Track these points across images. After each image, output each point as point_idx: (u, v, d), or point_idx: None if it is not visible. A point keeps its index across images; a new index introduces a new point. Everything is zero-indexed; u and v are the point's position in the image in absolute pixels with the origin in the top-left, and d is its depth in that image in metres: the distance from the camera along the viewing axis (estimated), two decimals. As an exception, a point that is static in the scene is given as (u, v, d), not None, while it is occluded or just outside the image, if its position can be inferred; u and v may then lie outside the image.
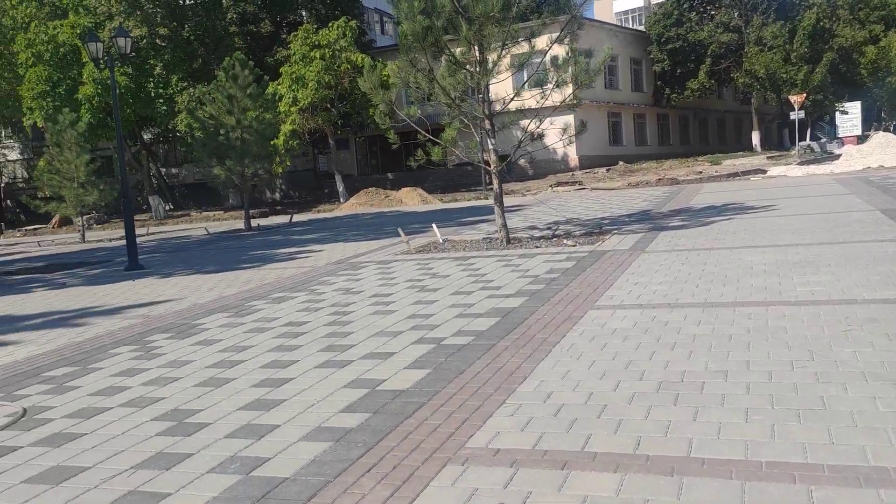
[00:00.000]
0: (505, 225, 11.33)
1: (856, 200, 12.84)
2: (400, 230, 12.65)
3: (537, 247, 10.62)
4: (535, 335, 5.53)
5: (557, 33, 11.11)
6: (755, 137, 46.94)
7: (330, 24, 33.95)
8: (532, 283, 7.65)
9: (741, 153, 44.74)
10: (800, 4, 44.54)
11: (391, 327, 6.26)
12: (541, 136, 11.31)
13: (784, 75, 41.48)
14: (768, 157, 38.42)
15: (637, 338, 5.15)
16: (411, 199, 28.43)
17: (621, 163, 39.33)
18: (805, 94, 38.62)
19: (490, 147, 11.37)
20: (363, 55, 33.58)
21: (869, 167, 25.58)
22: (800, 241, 8.73)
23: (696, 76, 44.42)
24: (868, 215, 10.57)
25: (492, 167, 11.41)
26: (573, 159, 38.53)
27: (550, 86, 10.85)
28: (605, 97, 41.76)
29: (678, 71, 45.04)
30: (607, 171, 37.49)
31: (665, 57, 43.89)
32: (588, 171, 37.62)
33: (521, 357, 4.97)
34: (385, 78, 13.02)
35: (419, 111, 11.52)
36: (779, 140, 54.40)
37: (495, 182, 11.45)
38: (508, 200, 24.00)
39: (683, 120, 51.33)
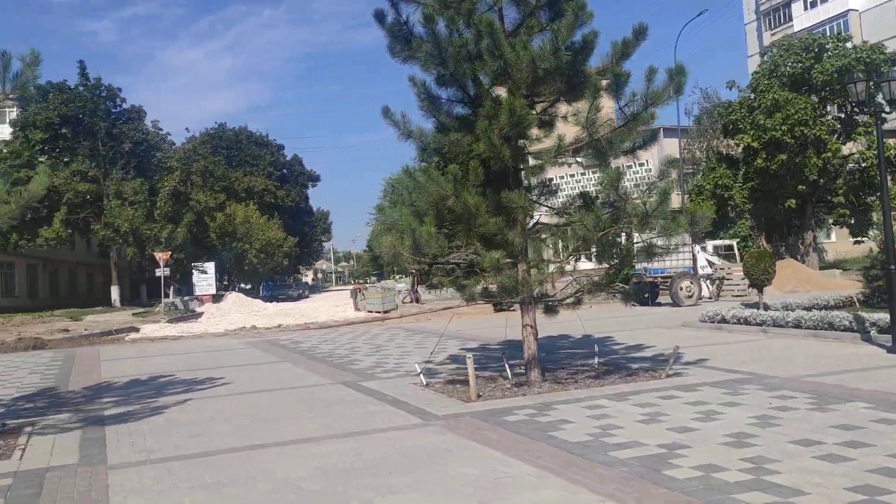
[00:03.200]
0: None
1: (299, 370, 12.23)
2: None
3: None
4: None
5: None
6: (115, 292, 44.63)
7: None
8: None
9: (100, 308, 41.71)
10: (158, 166, 45.61)
11: None
12: None
13: (148, 231, 41.06)
14: (133, 314, 36.61)
15: None
16: None
17: (-47, 317, 31.78)
18: (170, 252, 38.79)
19: None
20: None
21: (244, 327, 26.33)
22: (310, 434, 7.27)
23: (50, 224, 40.13)
24: (336, 390, 9.90)
25: None
26: None
27: None
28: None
29: (28, 216, 39.95)
30: (-66, 327, 29.68)
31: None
32: None
33: None
34: None
35: None
36: (133, 295, 53.10)
37: None
38: None
39: (32, 270, 45.54)
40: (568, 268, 10.48)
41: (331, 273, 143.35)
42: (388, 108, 9.86)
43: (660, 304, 23.86)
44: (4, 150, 41.29)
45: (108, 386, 11.35)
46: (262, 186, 66.20)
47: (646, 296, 24.02)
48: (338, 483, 5.54)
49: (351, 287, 52.71)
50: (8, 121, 44.77)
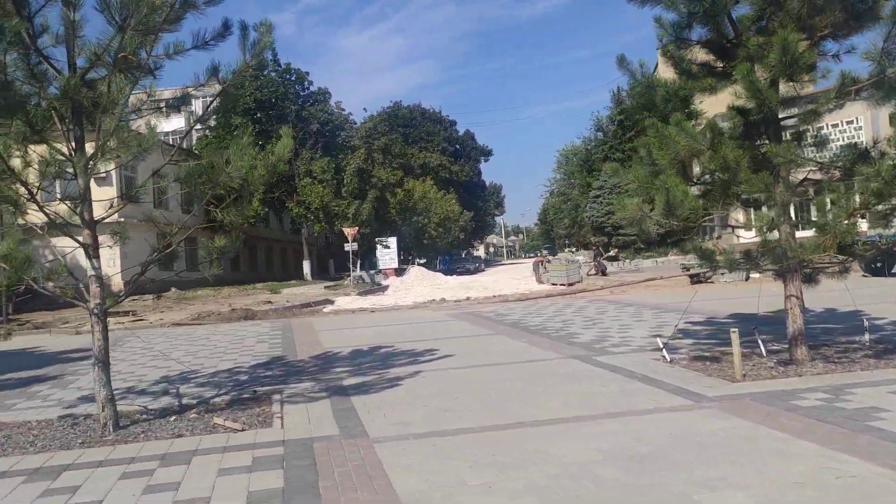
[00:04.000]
0: (112, 399, 6.94)
1: (518, 343, 11.74)
2: None
3: (175, 433, 6.57)
4: None
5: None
6: (306, 267, 47.16)
7: None
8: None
9: (293, 281, 44.21)
10: (342, 145, 47.32)
11: None
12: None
13: (336, 208, 42.81)
14: (325, 287, 38.37)
15: None
16: None
17: (174, 289, 34.89)
18: (357, 227, 40.16)
19: (91, 273, 7.05)
20: None
21: (433, 299, 26.49)
22: (570, 413, 6.66)
23: (250, 202, 42.98)
24: (570, 365, 9.26)
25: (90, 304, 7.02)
26: (116, 284, 32.61)
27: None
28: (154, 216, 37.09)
29: (231, 195, 43.03)
30: (158, 298, 32.84)
31: (219, 180, 41.50)
32: (137, 297, 32.19)
33: None
34: None
35: None
36: (321, 269, 56.02)
37: (97, 331, 7.05)
38: (42, 339, 17.94)
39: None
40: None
41: (501, 247, 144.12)
42: (623, 57, 8.96)
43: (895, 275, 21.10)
44: (210, 136, 44.63)
45: (334, 356, 11.46)
46: (437, 162, 67.21)
47: (879, 265, 21.28)
48: (636, 472, 4.83)
49: (533, 260, 52.23)
50: (211, 107, 48.36)
